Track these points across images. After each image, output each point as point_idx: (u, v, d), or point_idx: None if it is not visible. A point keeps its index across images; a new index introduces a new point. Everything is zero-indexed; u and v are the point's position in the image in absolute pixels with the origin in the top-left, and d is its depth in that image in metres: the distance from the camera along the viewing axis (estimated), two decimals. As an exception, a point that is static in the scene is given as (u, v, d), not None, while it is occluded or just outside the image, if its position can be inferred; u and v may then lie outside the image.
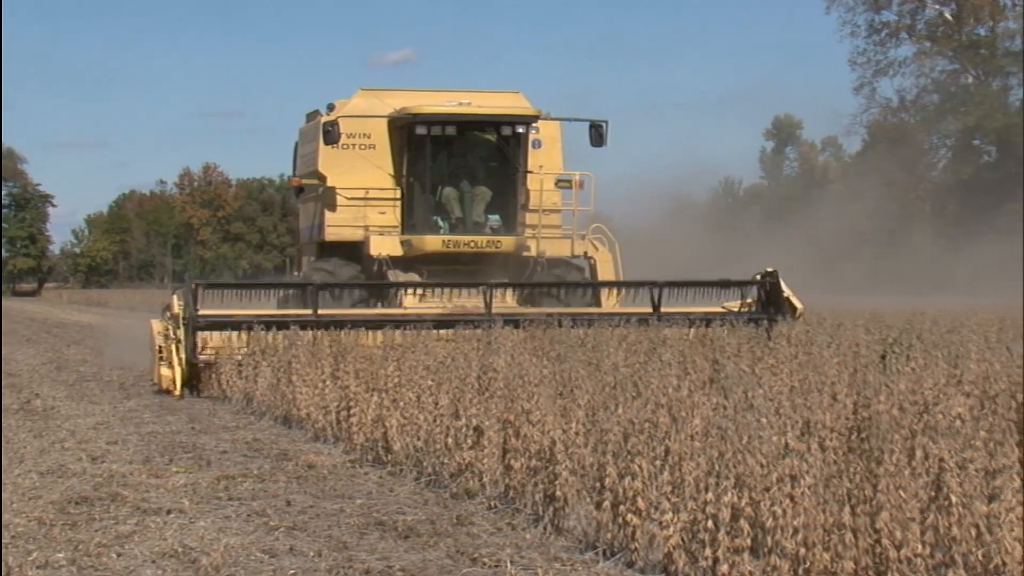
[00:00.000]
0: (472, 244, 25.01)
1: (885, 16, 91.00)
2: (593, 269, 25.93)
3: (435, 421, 13.26)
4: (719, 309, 22.91)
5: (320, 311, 21.33)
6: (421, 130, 24.92)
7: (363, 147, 25.63)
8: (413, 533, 10.52)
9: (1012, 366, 13.91)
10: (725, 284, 23.33)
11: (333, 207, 25.65)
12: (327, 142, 24.79)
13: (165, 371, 21.36)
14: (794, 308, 22.65)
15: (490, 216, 25.53)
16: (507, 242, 25.15)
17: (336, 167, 25.58)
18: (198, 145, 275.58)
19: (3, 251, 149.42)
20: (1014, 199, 74.23)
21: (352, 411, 15.31)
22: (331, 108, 25.69)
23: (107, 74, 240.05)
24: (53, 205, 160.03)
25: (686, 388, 11.35)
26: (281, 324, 20.54)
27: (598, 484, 9.92)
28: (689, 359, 17.43)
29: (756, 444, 8.58)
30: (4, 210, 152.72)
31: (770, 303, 22.88)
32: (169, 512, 11.38)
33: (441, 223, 25.44)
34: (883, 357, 16.69)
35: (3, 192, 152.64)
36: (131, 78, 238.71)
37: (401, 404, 14.27)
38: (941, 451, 8.45)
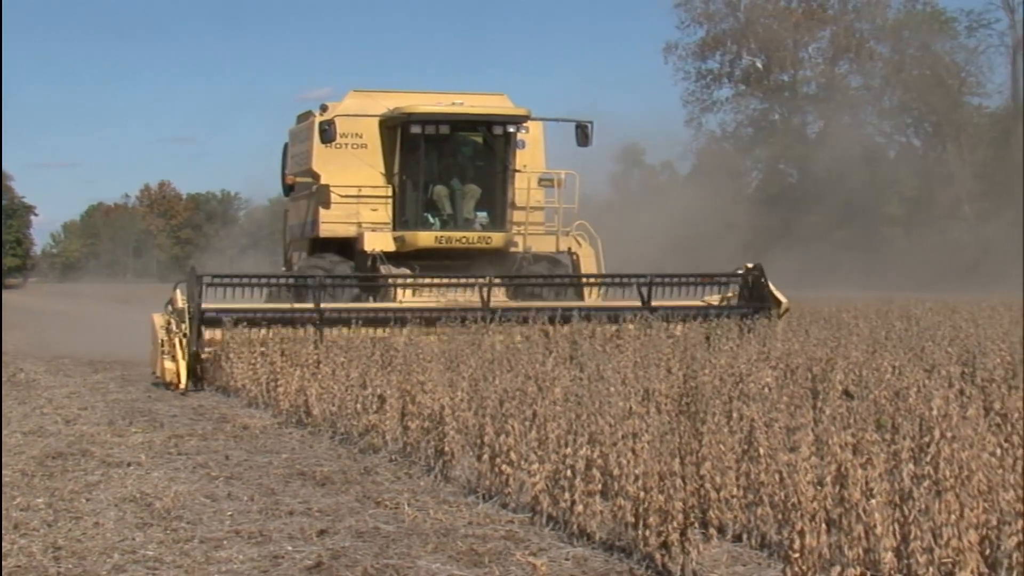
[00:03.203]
0: (463, 240, 21.73)
1: (710, 64, 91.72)
2: (576, 264, 22.59)
3: (347, 390, 13.18)
4: (701, 303, 20.01)
5: (320, 306, 18.31)
6: (415, 129, 21.69)
7: (355, 146, 22.23)
8: (328, 481, 10.45)
9: (808, 345, 14.10)
10: (710, 276, 20.53)
11: (327, 204, 22.19)
12: (324, 140, 21.54)
13: (169, 364, 17.79)
14: (779, 302, 19.68)
15: (479, 213, 22.22)
16: (496, 238, 21.86)
17: (330, 165, 22.15)
18: (156, 165, 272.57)
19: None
20: (811, 213, 75.40)
21: (279, 382, 15.15)
22: (324, 109, 22.28)
23: (81, 107, 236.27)
24: (35, 214, 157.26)
25: (550, 363, 11.39)
26: (288, 320, 18.04)
27: (479, 441, 9.92)
28: (553, 340, 17.49)
29: (606, 408, 8.62)
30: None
31: (753, 297, 19.92)
32: (129, 465, 11.23)
33: (432, 219, 22.07)
34: (707, 338, 16.85)
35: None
36: (101, 110, 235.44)
37: (319, 377, 14.19)
38: (752, 413, 8.54)
